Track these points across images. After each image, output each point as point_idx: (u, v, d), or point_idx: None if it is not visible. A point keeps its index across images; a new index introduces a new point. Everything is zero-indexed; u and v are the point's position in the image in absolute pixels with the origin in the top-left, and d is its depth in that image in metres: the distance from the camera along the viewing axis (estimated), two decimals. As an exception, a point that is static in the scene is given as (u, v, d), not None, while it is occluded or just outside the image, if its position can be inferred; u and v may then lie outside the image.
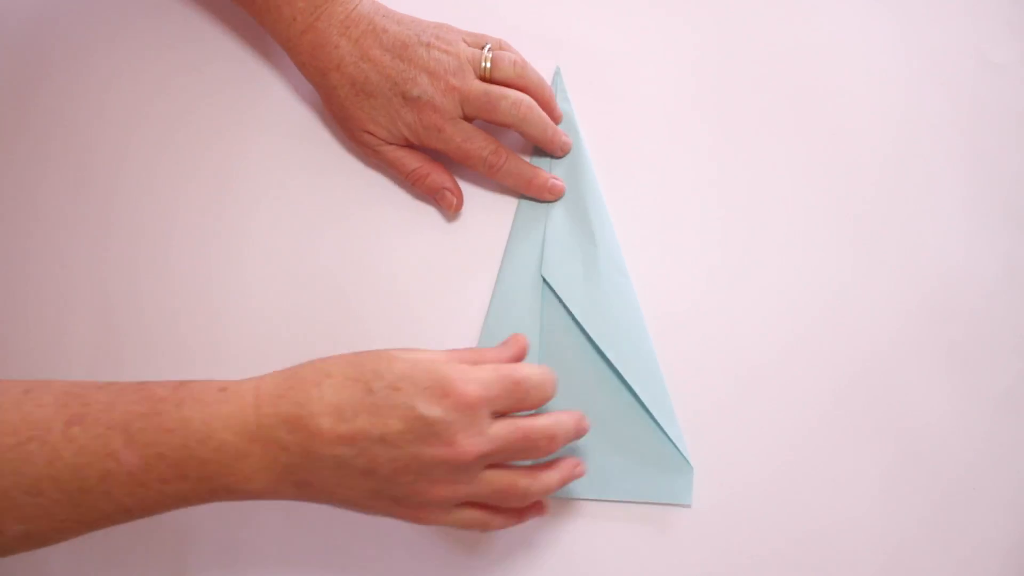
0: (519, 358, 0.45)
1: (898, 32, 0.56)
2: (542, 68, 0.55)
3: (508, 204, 0.54)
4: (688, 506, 0.49)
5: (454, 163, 0.53)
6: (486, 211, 0.54)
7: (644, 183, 0.54)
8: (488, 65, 0.51)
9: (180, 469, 0.37)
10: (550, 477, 0.43)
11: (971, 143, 0.55)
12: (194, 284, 0.53)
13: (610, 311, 0.51)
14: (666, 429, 0.49)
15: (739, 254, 0.53)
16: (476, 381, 0.39)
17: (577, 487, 0.49)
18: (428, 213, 0.54)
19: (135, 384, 0.39)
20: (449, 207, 0.53)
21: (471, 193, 0.54)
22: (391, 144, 0.52)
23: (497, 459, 0.41)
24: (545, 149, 0.53)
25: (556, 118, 0.54)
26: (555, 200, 0.53)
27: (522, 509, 0.44)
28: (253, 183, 0.55)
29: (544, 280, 0.52)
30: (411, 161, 0.52)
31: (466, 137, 0.51)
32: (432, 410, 0.38)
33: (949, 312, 0.52)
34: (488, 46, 0.52)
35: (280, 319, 0.53)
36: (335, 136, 0.55)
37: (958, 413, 0.51)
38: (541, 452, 0.41)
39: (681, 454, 0.49)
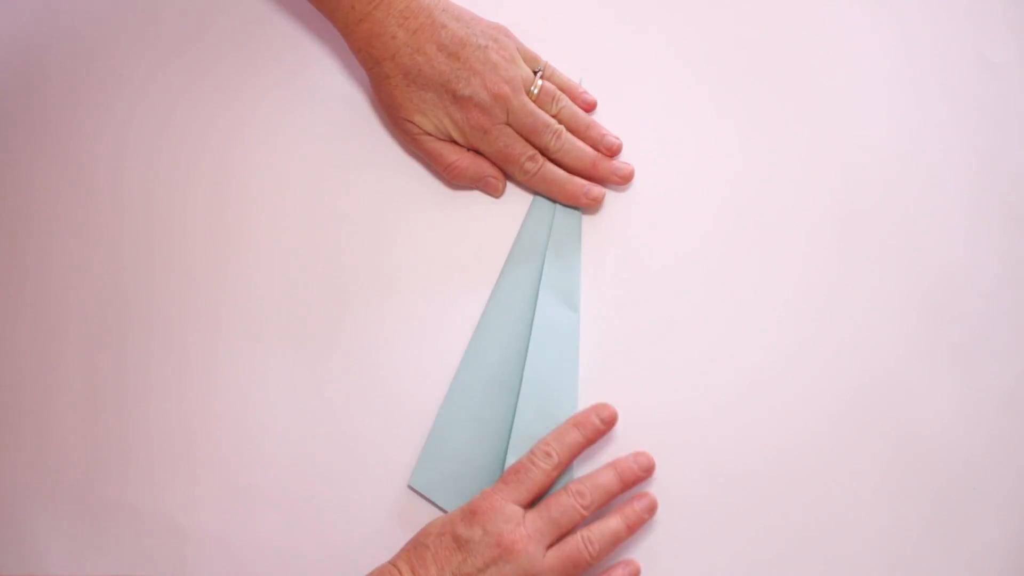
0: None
1: (898, 32, 0.56)
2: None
3: (518, 206, 0.55)
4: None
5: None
6: (495, 210, 0.55)
7: (643, 185, 0.54)
8: (536, 91, 0.52)
9: None
10: (612, 522, 0.47)
11: (971, 143, 0.55)
12: (195, 280, 0.54)
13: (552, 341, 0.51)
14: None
15: (738, 254, 0.53)
16: (488, 494, 0.46)
17: None
18: (435, 208, 0.55)
19: None
20: (495, 191, 0.54)
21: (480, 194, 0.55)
22: (432, 136, 0.53)
23: (550, 536, 0.46)
24: (584, 177, 0.53)
25: (606, 151, 0.54)
26: (593, 207, 0.53)
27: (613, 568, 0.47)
28: (255, 179, 0.55)
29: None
30: (449, 154, 0.53)
31: (508, 142, 0.52)
32: (470, 530, 0.45)
33: (950, 312, 0.52)
34: (540, 72, 0.53)
35: (281, 312, 0.53)
36: (338, 132, 0.56)
37: (959, 413, 0.50)
38: (579, 510, 0.46)
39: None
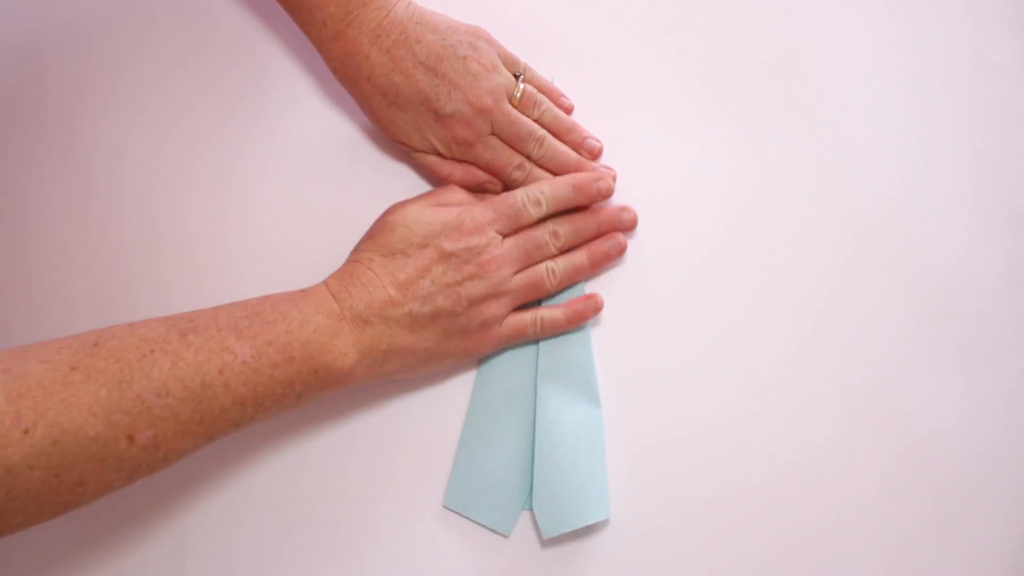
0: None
1: (898, 32, 0.57)
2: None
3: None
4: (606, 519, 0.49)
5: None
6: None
7: (643, 186, 0.54)
8: (518, 95, 0.52)
9: (287, 352, 0.43)
10: (576, 256, 0.51)
11: (971, 143, 0.55)
12: (194, 282, 0.53)
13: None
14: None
15: (740, 255, 0.53)
16: (478, 214, 0.49)
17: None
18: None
19: (226, 303, 0.44)
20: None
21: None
22: (422, 151, 0.52)
23: (520, 263, 0.50)
24: None
25: (587, 154, 0.54)
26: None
27: (575, 303, 0.51)
28: (255, 181, 0.55)
29: None
30: (442, 168, 0.52)
31: (495, 154, 0.52)
32: (456, 245, 0.47)
33: (951, 312, 0.52)
34: (521, 76, 0.53)
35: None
36: (336, 133, 0.55)
37: (960, 413, 0.51)
38: (551, 248, 0.50)
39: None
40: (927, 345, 0.52)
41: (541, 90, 0.54)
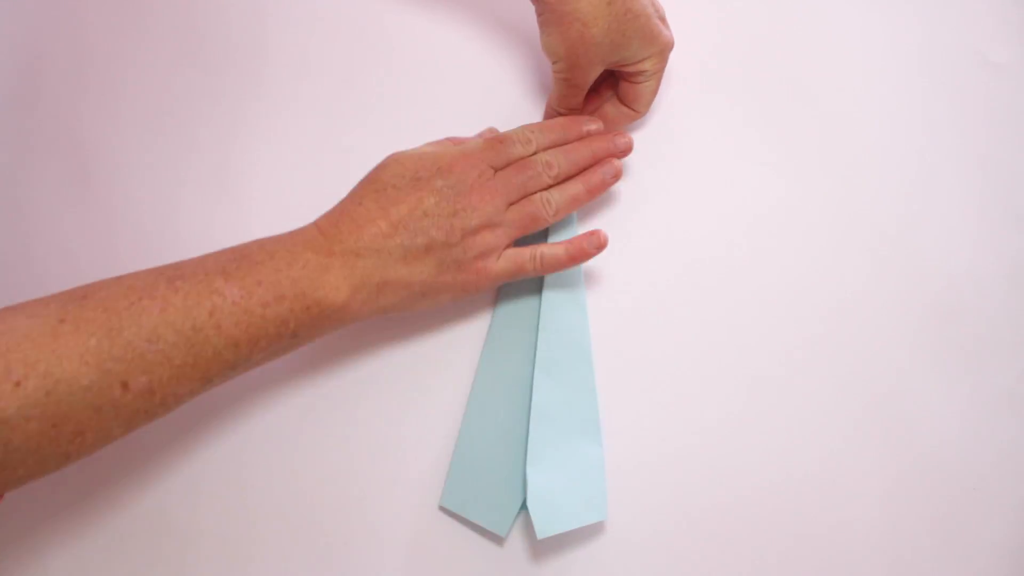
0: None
1: (898, 32, 0.57)
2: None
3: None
4: (603, 520, 0.49)
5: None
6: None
7: (645, 185, 0.55)
8: None
9: (277, 290, 0.42)
10: (572, 185, 0.50)
11: (971, 143, 0.55)
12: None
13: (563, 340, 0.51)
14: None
15: (742, 257, 0.53)
16: (469, 148, 0.49)
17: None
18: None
19: (213, 251, 0.44)
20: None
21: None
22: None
23: (514, 195, 0.49)
24: None
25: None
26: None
27: (578, 239, 0.49)
28: (253, 186, 0.55)
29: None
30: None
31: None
32: (447, 178, 0.47)
33: (954, 314, 0.52)
34: None
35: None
36: (334, 141, 0.55)
37: (964, 414, 0.51)
38: (545, 178, 0.49)
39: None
40: (930, 347, 0.52)
41: None
